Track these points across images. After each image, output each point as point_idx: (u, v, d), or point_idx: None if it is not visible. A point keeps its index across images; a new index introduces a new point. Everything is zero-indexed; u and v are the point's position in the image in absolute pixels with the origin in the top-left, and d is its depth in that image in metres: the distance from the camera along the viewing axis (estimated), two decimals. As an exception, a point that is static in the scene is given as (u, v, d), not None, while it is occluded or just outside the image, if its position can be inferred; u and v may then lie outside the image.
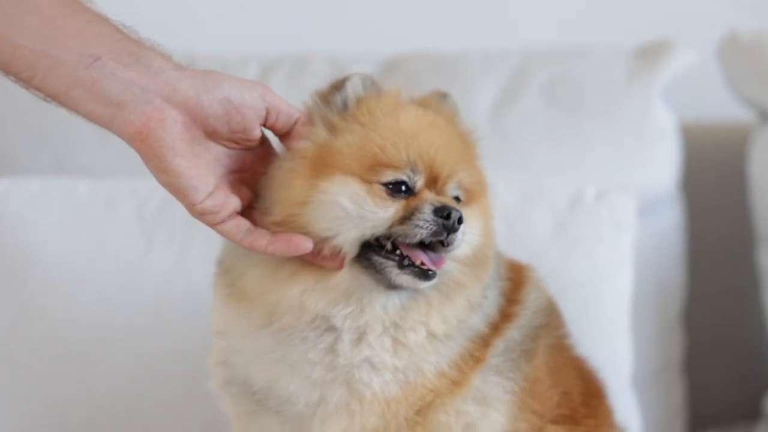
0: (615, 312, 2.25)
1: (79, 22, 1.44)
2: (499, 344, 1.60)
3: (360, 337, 1.53)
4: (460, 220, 1.48)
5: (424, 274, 1.49)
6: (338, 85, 1.57)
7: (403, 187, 1.51)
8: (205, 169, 1.49)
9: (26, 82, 1.46)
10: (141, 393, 2.25)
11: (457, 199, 1.55)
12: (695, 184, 2.63)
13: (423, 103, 1.62)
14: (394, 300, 1.52)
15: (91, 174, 2.45)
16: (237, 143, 1.53)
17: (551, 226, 2.25)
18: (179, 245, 2.29)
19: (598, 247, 2.25)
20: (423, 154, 1.51)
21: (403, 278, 1.49)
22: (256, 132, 1.52)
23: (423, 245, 1.50)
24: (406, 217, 1.48)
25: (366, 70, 2.43)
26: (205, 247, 2.27)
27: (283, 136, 1.55)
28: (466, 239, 1.52)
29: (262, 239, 1.51)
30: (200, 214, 1.51)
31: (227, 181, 1.53)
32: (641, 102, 2.49)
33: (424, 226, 1.47)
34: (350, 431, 1.54)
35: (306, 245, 1.48)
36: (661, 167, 2.50)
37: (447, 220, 1.47)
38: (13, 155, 2.62)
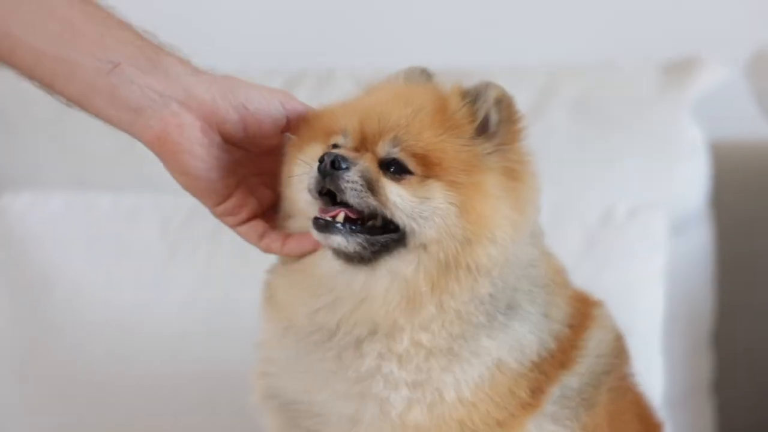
0: (647, 331, 2.22)
1: (99, 28, 1.47)
2: (554, 391, 1.52)
3: (357, 344, 1.49)
4: (334, 164, 1.41)
5: (325, 225, 1.43)
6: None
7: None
8: (224, 172, 1.51)
9: (49, 87, 1.48)
10: (159, 413, 2.24)
11: (397, 163, 1.45)
12: (724, 202, 2.60)
13: (444, 89, 1.55)
14: (354, 281, 1.47)
15: (113, 188, 2.44)
16: (257, 147, 1.54)
17: (582, 243, 2.23)
18: (203, 260, 2.29)
19: (630, 264, 2.23)
20: (357, 118, 1.48)
21: (312, 230, 1.45)
22: (275, 138, 1.53)
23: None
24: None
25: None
26: (228, 263, 2.26)
27: None
28: (404, 207, 1.43)
29: (276, 241, 1.52)
30: (222, 216, 1.54)
31: (248, 184, 1.54)
32: (670, 118, 2.47)
33: (309, 177, 1.45)
34: None
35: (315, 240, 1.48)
36: (690, 185, 2.48)
37: (321, 165, 1.42)
38: (34, 169, 2.61)
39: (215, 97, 1.47)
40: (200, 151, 1.47)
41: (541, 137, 2.46)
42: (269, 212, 1.56)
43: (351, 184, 1.43)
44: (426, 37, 2.86)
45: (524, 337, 1.51)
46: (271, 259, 1.61)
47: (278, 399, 1.58)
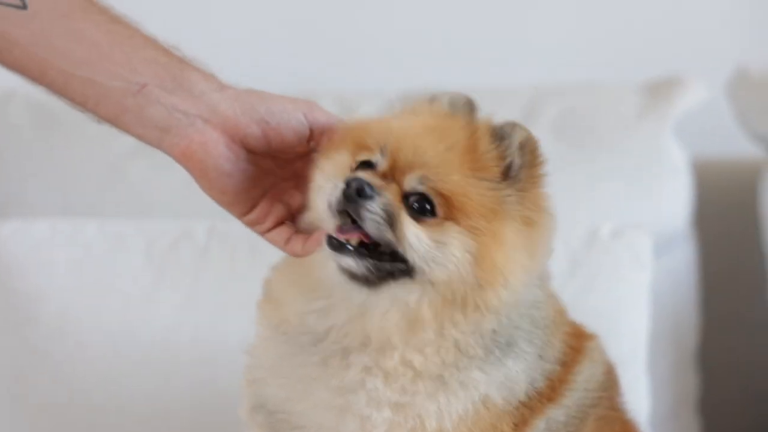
0: (632, 351, 2.21)
1: (125, 49, 1.51)
2: (539, 424, 1.52)
3: (344, 353, 1.48)
4: (360, 192, 1.42)
5: (340, 246, 1.44)
6: (432, 98, 1.59)
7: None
8: (249, 183, 1.54)
9: (81, 106, 1.53)
10: (150, 434, 2.23)
11: (424, 199, 1.45)
12: (707, 220, 2.61)
13: (476, 125, 1.54)
14: (354, 298, 1.47)
15: (99, 215, 2.43)
16: (283, 156, 1.57)
17: (566, 263, 2.22)
18: (188, 285, 2.28)
19: (615, 284, 2.23)
20: (394, 140, 1.47)
21: (325, 248, 1.45)
22: (300, 148, 1.55)
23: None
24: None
25: (374, 108, 2.42)
26: (214, 287, 2.26)
27: None
28: (420, 249, 1.43)
29: (298, 244, 1.53)
30: (248, 224, 1.57)
31: (277, 190, 1.57)
32: (652, 138, 2.48)
33: (334, 194, 1.44)
34: None
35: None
36: (673, 204, 2.49)
37: (347, 188, 1.43)
38: (20, 197, 2.60)
39: (237, 113, 1.51)
40: (226, 165, 1.51)
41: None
42: (300, 214, 1.58)
43: (372, 214, 1.43)
44: (409, 59, 2.86)
45: (516, 375, 1.50)
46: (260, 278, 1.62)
47: (264, 409, 1.57)
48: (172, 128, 1.50)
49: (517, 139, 1.50)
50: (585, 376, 1.58)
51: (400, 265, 1.45)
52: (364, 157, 1.49)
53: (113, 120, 1.52)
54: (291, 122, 1.53)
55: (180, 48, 1.55)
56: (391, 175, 1.47)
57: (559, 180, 2.41)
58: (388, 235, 1.43)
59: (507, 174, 1.49)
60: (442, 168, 1.46)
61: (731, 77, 2.53)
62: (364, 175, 1.45)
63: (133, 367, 2.23)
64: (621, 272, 2.24)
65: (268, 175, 1.56)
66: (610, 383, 1.64)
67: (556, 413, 1.54)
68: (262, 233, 1.56)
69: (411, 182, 1.46)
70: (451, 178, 1.46)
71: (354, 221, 1.44)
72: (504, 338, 1.50)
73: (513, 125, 1.51)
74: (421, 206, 1.46)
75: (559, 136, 2.50)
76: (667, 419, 2.41)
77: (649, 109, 2.50)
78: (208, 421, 2.17)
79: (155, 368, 2.22)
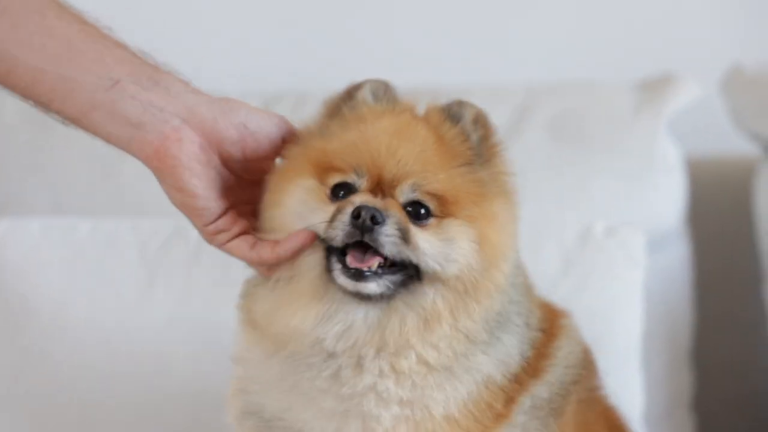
0: (626, 349, 2.22)
1: (98, 47, 1.48)
2: (525, 401, 1.54)
3: (359, 362, 1.49)
4: (374, 219, 1.42)
5: (358, 274, 1.44)
6: (352, 90, 1.57)
7: (342, 192, 1.48)
8: (219, 192, 1.51)
9: (46, 106, 1.49)
10: (147, 430, 2.22)
11: (419, 205, 1.47)
12: (701, 218, 2.61)
13: (425, 113, 1.57)
14: (371, 315, 1.47)
15: (92, 214, 2.43)
16: (250, 171, 1.54)
17: (560, 262, 2.23)
18: (182, 282, 2.28)
19: (609, 282, 2.24)
20: (369, 157, 1.48)
21: (342, 278, 1.46)
22: (270, 162, 1.54)
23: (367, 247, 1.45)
24: (332, 220, 1.45)
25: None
26: (208, 285, 2.26)
27: None
28: (432, 253, 1.45)
29: (265, 248, 1.50)
30: (212, 234, 1.53)
31: (234, 211, 1.54)
32: (647, 136, 2.48)
33: (340, 227, 1.44)
34: None
35: (306, 235, 1.48)
36: (667, 202, 2.49)
37: (357, 220, 1.43)
38: (11, 196, 2.60)
39: (216, 116, 1.49)
40: (198, 168, 1.48)
41: (519, 155, 2.45)
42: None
43: (390, 237, 1.44)
44: (402, 57, 2.85)
45: (511, 349, 1.54)
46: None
47: (256, 416, 1.57)
48: (146, 124, 1.47)
49: (469, 116, 1.53)
50: (564, 352, 1.61)
51: (409, 272, 1.47)
52: (337, 179, 1.49)
53: (81, 119, 1.49)
54: (267, 128, 1.52)
55: (153, 55, 1.53)
56: (380, 191, 1.48)
57: (553, 178, 2.44)
58: (407, 252, 1.45)
59: (475, 153, 1.52)
60: (427, 170, 1.48)
61: (726, 75, 2.53)
62: (367, 200, 1.45)
63: (127, 363, 2.22)
64: (615, 270, 2.24)
65: (231, 192, 1.54)
66: (588, 363, 1.67)
67: (540, 390, 1.56)
68: (225, 243, 1.53)
69: (405, 193, 1.48)
70: (438, 177, 1.48)
71: (360, 245, 1.44)
72: (503, 316, 1.53)
73: (459, 104, 1.55)
74: (416, 212, 1.48)
75: (554, 135, 2.50)
76: (661, 417, 2.41)
77: (644, 108, 2.50)
78: (202, 417, 2.17)
79: (150, 365, 2.22)
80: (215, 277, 2.26)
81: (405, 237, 1.45)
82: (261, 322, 1.54)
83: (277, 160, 1.56)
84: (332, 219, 1.45)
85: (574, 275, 2.23)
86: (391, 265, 1.46)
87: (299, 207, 1.49)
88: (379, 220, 1.43)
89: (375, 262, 1.45)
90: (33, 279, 2.27)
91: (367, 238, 1.43)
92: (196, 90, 1.51)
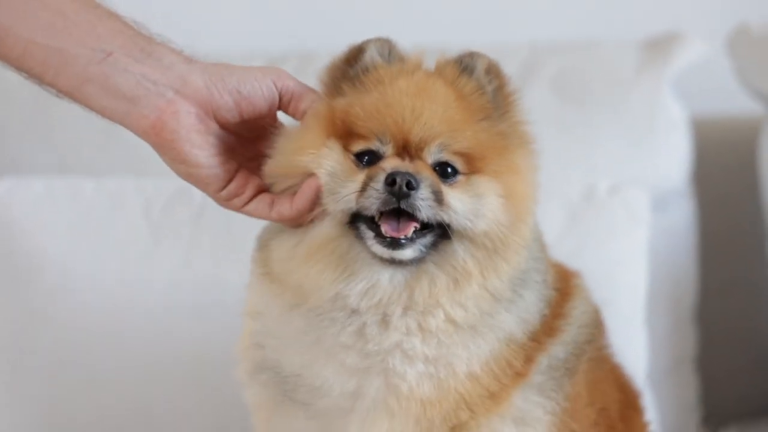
0: (630, 307, 2.23)
1: (91, 18, 1.46)
2: (542, 360, 1.54)
3: (384, 319, 1.48)
4: (409, 185, 1.41)
5: (394, 242, 1.44)
6: (356, 52, 1.55)
7: (366, 158, 1.47)
8: (224, 157, 1.51)
9: (38, 78, 1.47)
10: (149, 395, 2.23)
11: (446, 165, 1.47)
12: (706, 178, 2.61)
13: (437, 68, 1.55)
14: (398, 276, 1.47)
15: (96, 173, 2.43)
16: (251, 130, 1.54)
17: (564, 220, 2.23)
18: (186, 241, 2.28)
19: (612, 241, 2.24)
20: (393, 123, 1.46)
21: (377, 247, 1.45)
22: (269, 119, 1.54)
23: (400, 213, 1.44)
24: (364, 189, 1.44)
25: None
26: (212, 244, 2.26)
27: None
28: (463, 210, 1.45)
29: (285, 205, 1.50)
30: (226, 200, 1.52)
31: (244, 170, 1.54)
32: (651, 95, 2.47)
33: (374, 195, 1.43)
34: None
35: (314, 180, 1.47)
36: (672, 161, 2.48)
37: (392, 187, 1.42)
38: (16, 156, 2.60)
39: (209, 84, 1.47)
40: (197, 138, 1.48)
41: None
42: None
43: (425, 201, 1.43)
44: (406, 15, 2.85)
45: (532, 305, 1.54)
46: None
47: (271, 371, 1.57)
48: (141, 98, 1.46)
49: (482, 68, 1.53)
50: (579, 312, 1.61)
51: (438, 231, 1.47)
52: (361, 147, 1.48)
53: (74, 92, 1.47)
54: (262, 90, 1.51)
55: (146, 26, 1.51)
56: (406, 153, 1.47)
57: (557, 137, 2.43)
58: (442, 213, 1.45)
59: (493, 106, 1.52)
60: (453, 130, 1.48)
61: (731, 34, 2.51)
62: (399, 166, 1.44)
63: (133, 322, 2.23)
64: (618, 229, 2.25)
65: (235, 154, 1.53)
66: (598, 322, 1.68)
67: (556, 350, 1.56)
68: (241, 206, 1.53)
69: (433, 155, 1.47)
70: (464, 135, 1.48)
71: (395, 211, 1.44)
72: (526, 273, 1.53)
73: (471, 55, 1.55)
74: (444, 171, 1.48)
75: (557, 93, 2.49)
76: (665, 376, 2.42)
77: (648, 66, 2.49)
78: (207, 377, 2.18)
79: (155, 323, 2.23)
80: (219, 236, 2.26)
81: (438, 198, 1.44)
82: (279, 272, 1.53)
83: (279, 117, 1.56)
84: (363, 188, 1.44)
85: (578, 233, 2.23)
86: (423, 228, 1.46)
87: (329, 180, 1.47)
88: (414, 185, 1.42)
89: (410, 229, 1.44)
90: (37, 238, 2.27)
91: (403, 205, 1.42)
92: (189, 59, 1.50)
